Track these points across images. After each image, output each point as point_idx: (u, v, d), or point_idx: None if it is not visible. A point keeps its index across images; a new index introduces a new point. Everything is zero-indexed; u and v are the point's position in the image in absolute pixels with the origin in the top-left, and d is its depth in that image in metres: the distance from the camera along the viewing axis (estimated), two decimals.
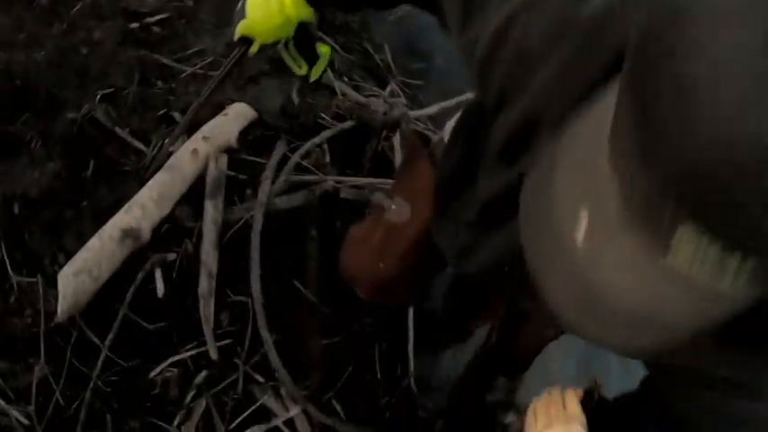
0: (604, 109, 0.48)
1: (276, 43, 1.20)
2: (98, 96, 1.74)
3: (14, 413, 1.47)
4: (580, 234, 0.48)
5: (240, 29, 1.16)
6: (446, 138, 1.12)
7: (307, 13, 1.14)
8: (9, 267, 1.53)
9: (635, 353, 0.68)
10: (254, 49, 1.20)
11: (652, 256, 0.44)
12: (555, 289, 0.52)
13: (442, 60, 2.28)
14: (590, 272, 0.48)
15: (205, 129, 1.69)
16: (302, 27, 1.18)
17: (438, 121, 2.03)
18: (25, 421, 1.47)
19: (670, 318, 0.47)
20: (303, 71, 1.27)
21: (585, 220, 0.47)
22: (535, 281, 0.53)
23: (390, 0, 1.14)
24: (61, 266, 1.51)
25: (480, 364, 1.72)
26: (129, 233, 1.50)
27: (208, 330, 1.54)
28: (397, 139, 1.89)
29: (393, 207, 1.24)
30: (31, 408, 1.47)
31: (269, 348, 1.54)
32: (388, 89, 2.08)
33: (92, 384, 1.48)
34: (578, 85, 0.61)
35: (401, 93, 2.12)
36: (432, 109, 2.05)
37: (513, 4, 0.71)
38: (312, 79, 1.28)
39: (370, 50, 2.19)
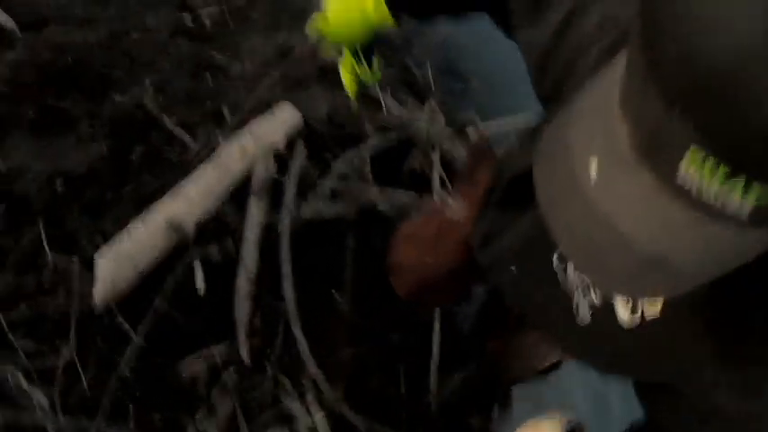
0: (621, 60, 0.47)
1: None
2: (147, 83, 1.66)
3: (37, 394, 1.38)
4: (593, 170, 0.46)
5: (315, 23, 1.07)
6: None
7: (388, 20, 1.06)
8: (46, 245, 1.44)
9: (638, 295, 0.64)
10: (325, 49, 1.11)
11: (661, 188, 0.42)
12: (566, 229, 0.50)
13: (479, 83, 2.22)
14: (602, 206, 0.46)
15: (254, 128, 1.60)
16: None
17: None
18: (46, 404, 1.37)
19: (679, 255, 0.45)
20: (369, 78, 1.18)
21: (598, 157, 0.47)
22: (547, 223, 0.51)
23: (463, 7, 1.07)
24: (98, 249, 1.42)
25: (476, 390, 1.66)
26: (174, 224, 1.41)
27: (241, 331, 1.44)
28: (436, 157, 1.82)
29: (452, 204, 1.18)
30: (55, 391, 1.38)
31: (303, 350, 1.46)
32: (427, 107, 2.01)
33: (119, 373, 1.39)
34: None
35: (439, 111, 2.06)
36: (472, 129, 1.98)
37: (572, 3, 0.70)
38: (369, 83, 1.20)
39: (411, 67, 2.12)
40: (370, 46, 1.12)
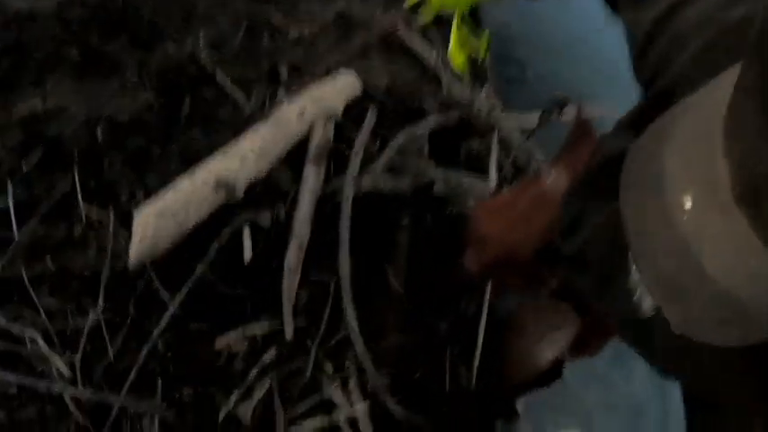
0: (725, 81, 0.41)
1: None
2: (201, 36, 1.46)
3: (56, 360, 1.17)
4: (687, 203, 0.42)
5: None
6: None
7: None
8: (80, 195, 1.24)
9: (707, 339, 0.56)
10: (427, 16, 0.96)
11: (755, 242, 0.38)
12: (649, 260, 0.47)
13: (534, 73, 2.04)
14: (692, 243, 0.42)
15: (313, 91, 1.40)
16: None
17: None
18: (67, 372, 1.15)
19: (758, 306, 0.41)
20: (480, 48, 1.04)
21: (693, 190, 0.42)
22: (631, 251, 0.48)
23: None
24: (138, 205, 1.22)
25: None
26: (223, 182, 1.21)
27: (287, 307, 1.23)
28: (494, 141, 1.63)
29: (551, 176, 1.01)
30: (77, 357, 1.17)
31: (352, 329, 1.25)
32: (484, 91, 1.83)
33: (150, 343, 1.18)
34: (710, 71, 0.51)
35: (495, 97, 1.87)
36: (525, 117, 1.79)
37: None
38: (481, 59, 1.06)
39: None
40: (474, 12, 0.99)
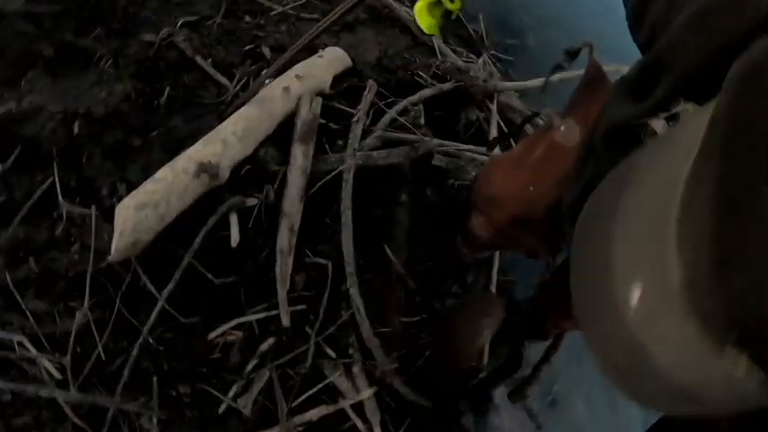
0: (681, 147, 0.39)
1: None
2: (179, 22, 1.39)
3: (46, 363, 1.11)
4: (635, 297, 0.39)
5: None
6: None
7: None
8: (60, 193, 1.18)
9: (670, 414, 0.56)
10: None
11: (703, 347, 0.36)
12: (599, 344, 0.45)
13: (533, 40, 1.93)
14: (639, 338, 0.40)
15: (299, 68, 1.33)
16: None
17: (529, 97, 1.69)
18: (57, 374, 1.10)
19: (711, 399, 0.39)
20: (454, 5, 0.94)
21: (644, 284, 0.39)
22: (583, 332, 0.47)
23: None
24: (121, 199, 1.15)
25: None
26: (205, 168, 1.14)
27: (282, 292, 1.16)
28: (494, 110, 1.53)
29: (562, 127, 0.91)
30: (67, 359, 1.11)
31: (359, 312, 1.17)
32: (481, 60, 1.73)
33: (141, 339, 1.12)
34: (706, 41, 0.51)
35: (492, 65, 1.77)
36: (524, 84, 1.69)
37: None
38: (454, 15, 0.96)
39: (463, 20, 1.83)
40: None
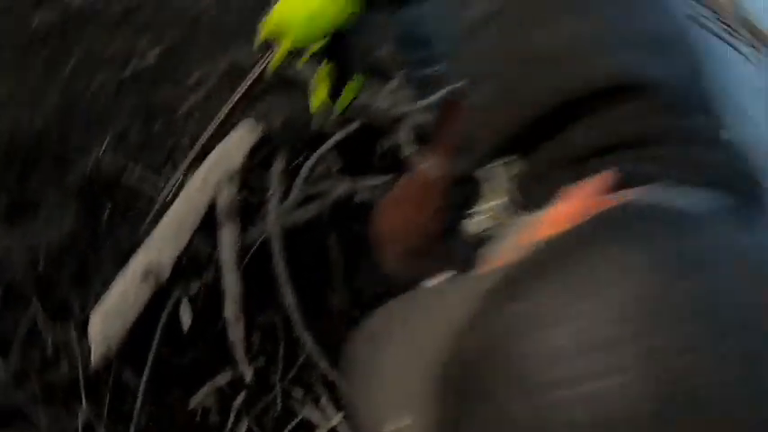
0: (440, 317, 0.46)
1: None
2: (105, 143, 1.60)
3: None
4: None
5: (268, 26, 0.89)
6: None
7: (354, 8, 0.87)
8: (42, 321, 1.41)
9: None
10: (278, 55, 0.89)
11: None
12: None
13: (445, 46, 2.05)
14: None
15: (212, 156, 1.53)
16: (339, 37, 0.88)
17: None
18: None
19: None
20: (320, 99, 0.97)
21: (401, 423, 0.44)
22: None
23: None
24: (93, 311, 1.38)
25: None
26: (151, 270, 1.36)
27: (239, 354, 1.38)
28: (405, 132, 1.69)
29: (430, 161, 1.05)
30: None
31: (313, 352, 1.38)
32: (394, 83, 1.88)
33: (134, 422, 1.35)
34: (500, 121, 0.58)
35: (407, 84, 1.92)
36: (439, 95, 1.83)
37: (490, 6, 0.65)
38: (337, 113, 1.01)
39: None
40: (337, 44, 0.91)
